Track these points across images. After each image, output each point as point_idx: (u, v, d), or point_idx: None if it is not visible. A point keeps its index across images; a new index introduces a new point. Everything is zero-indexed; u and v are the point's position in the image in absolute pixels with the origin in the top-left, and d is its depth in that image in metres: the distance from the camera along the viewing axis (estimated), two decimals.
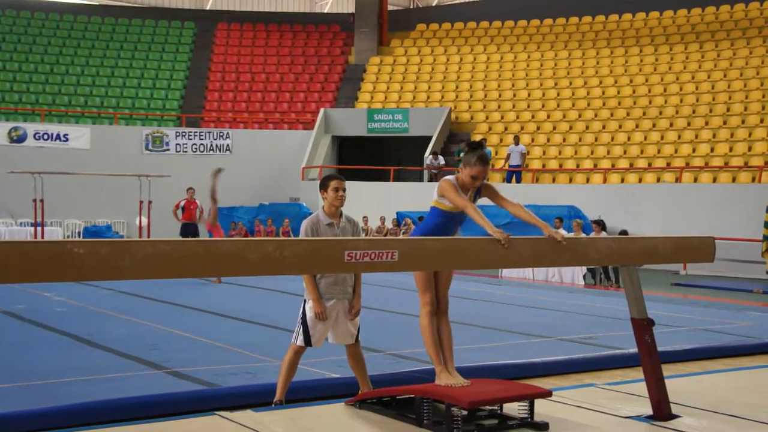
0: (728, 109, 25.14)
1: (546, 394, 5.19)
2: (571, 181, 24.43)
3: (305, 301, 5.70)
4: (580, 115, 27.29)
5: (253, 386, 6.12)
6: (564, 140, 26.53)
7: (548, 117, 27.73)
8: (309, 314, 5.64)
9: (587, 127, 26.72)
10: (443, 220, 5.31)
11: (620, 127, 26.25)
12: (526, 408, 5.05)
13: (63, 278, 3.62)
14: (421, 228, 5.42)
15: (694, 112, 25.68)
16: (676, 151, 24.35)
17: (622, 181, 23.57)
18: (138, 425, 5.07)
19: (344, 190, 5.71)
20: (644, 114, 26.44)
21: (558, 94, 28.66)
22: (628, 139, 25.59)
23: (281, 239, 4.28)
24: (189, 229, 16.24)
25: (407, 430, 4.94)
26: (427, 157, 26.49)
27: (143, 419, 5.22)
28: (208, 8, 38.98)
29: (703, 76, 26.91)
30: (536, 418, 5.02)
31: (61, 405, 5.37)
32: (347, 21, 34.19)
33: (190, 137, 28.82)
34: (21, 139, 27.29)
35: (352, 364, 5.87)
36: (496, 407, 5.11)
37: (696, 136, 24.60)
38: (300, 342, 5.68)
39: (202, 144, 28.83)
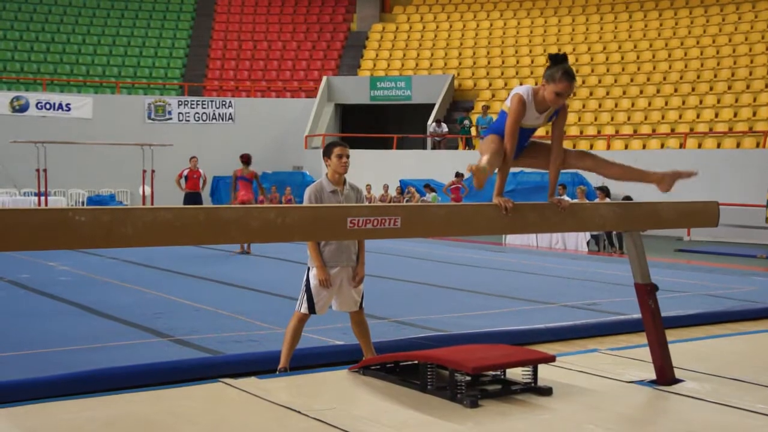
0: (733, 74, 24.99)
1: (549, 359, 5.19)
2: (574, 147, 24.32)
3: (309, 268, 5.70)
4: (583, 81, 27.13)
5: (258, 354, 6.14)
6: (568, 106, 26.38)
7: None
8: (313, 281, 5.64)
9: (591, 93, 26.58)
10: None
11: (624, 93, 26.11)
12: (530, 373, 5.05)
13: (65, 246, 3.61)
14: (493, 128, 4.97)
15: (698, 77, 25.52)
16: (680, 116, 24.24)
17: (626, 147, 23.48)
18: (143, 392, 5.09)
19: (348, 156, 5.68)
20: (648, 80, 26.29)
21: None
22: (632, 105, 25.47)
23: (283, 206, 4.27)
24: (192, 197, 16.21)
25: (411, 396, 4.95)
26: (430, 124, 26.40)
27: (148, 386, 5.24)
28: None
29: (707, 41, 26.71)
30: (540, 383, 5.03)
31: (66, 373, 5.39)
32: None
33: (193, 106, 28.73)
34: (23, 108, 27.23)
35: (356, 331, 5.88)
36: (499, 372, 5.12)
37: (700, 102, 24.47)
38: (304, 309, 5.68)
39: (204, 113, 28.75)
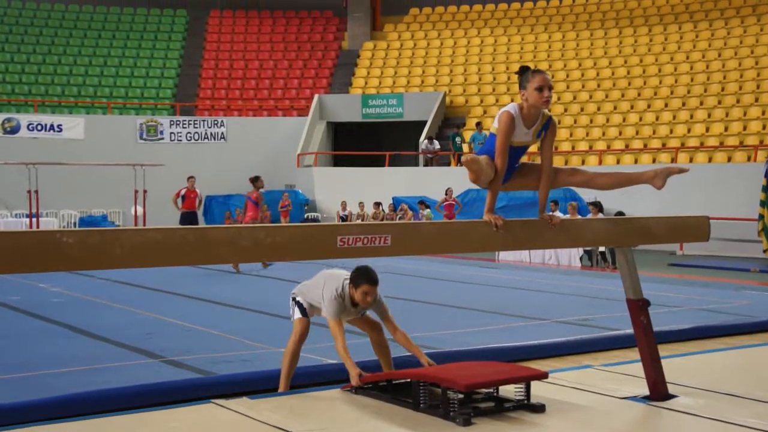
0: (723, 89, 25.10)
1: (542, 375, 5.17)
2: (566, 163, 24.39)
3: (294, 297, 5.66)
4: (575, 97, 27.24)
5: (249, 373, 6.09)
6: (559, 122, 26.47)
7: None
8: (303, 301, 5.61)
9: (582, 109, 26.67)
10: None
11: (615, 108, 26.20)
12: (523, 390, 5.04)
13: (54, 268, 3.60)
14: (483, 149, 4.96)
15: (689, 92, 25.63)
16: (671, 131, 24.32)
17: (618, 162, 23.53)
18: (134, 414, 5.05)
19: (372, 295, 5.46)
20: (639, 95, 26.39)
21: (552, 77, 28.54)
22: (624, 120, 25.55)
23: (273, 225, 4.26)
24: (188, 217, 16.21)
25: (404, 414, 4.93)
26: (422, 141, 26.44)
27: (139, 408, 5.21)
28: None
29: (697, 56, 26.84)
30: (533, 400, 5.01)
31: (58, 395, 5.35)
32: (340, 6, 34.03)
33: (185, 126, 28.74)
34: (14, 130, 27.20)
35: (377, 351, 5.82)
36: (492, 390, 5.09)
37: (691, 116, 24.56)
38: (298, 314, 5.61)
39: (196, 132, 28.75)
